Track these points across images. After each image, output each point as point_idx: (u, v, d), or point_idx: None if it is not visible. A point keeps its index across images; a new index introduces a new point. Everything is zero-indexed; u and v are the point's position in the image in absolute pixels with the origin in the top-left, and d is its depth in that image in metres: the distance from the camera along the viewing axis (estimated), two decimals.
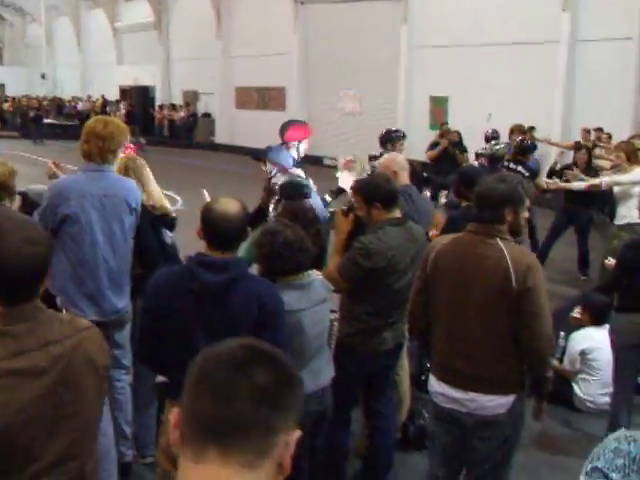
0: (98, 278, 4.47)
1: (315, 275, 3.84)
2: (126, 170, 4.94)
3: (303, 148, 6.96)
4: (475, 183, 3.87)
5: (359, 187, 4.41)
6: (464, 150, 13.37)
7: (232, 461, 1.26)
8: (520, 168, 8.93)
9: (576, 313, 6.78)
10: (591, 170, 10.07)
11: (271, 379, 1.32)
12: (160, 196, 5.19)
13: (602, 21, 16.81)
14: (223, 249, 3.19)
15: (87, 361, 2.34)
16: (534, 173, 9.23)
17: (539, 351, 3.48)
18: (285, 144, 6.87)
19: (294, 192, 4.98)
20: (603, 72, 16.65)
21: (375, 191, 4.27)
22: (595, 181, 9.07)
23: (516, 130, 12.38)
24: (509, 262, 3.43)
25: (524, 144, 9.69)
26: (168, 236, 5.15)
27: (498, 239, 3.52)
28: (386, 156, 5.65)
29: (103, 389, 2.49)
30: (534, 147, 9.89)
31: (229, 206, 3.18)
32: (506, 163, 9.15)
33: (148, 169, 5.15)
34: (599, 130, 13.66)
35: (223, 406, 1.27)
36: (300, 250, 3.63)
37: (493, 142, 9.63)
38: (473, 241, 3.58)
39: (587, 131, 13.53)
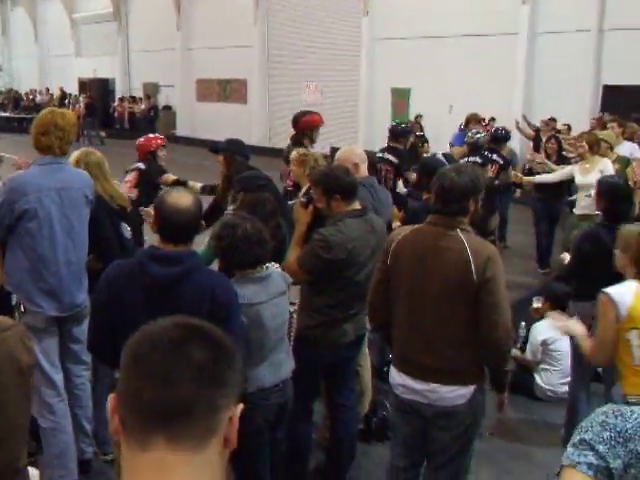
0: (59, 273, 4.41)
1: (274, 268, 3.82)
2: (77, 164, 4.87)
3: (316, 135, 7.78)
4: (434, 174, 3.86)
5: (318, 179, 4.38)
6: (424, 141, 13.39)
7: (179, 446, 1.23)
8: (495, 156, 8.97)
9: (536, 303, 6.83)
10: (563, 159, 10.15)
11: (209, 356, 1.29)
12: (118, 189, 5.13)
13: (561, 13, 17.00)
14: (175, 242, 3.16)
15: (10, 360, 2.30)
16: (507, 163, 9.30)
17: (497, 342, 3.48)
18: (300, 133, 7.71)
19: (252, 184, 4.92)
20: (562, 64, 16.84)
21: (334, 183, 4.25)
22: (530, 179, 9.36)
23: (472, 120, 12.39)
24: (469, 253, 3.43)
25: (498, 133, 9.73)
26: (126, 230, 5.09)
27: (458, 230, 3.53)
28: (345, 148, 5.62)
29: (28, 388, 2.45)
30: (507, 137, 9.93)
31: (181, 199, 3.14)
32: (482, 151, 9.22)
33: (106, 162, 5.08)
34: (553, 120, 13.82)
35: (164, 390, 1.24)
36: (259, 243, 3.61)
37: (474, 130, 9.63)
38: (434, 232, 3.58)
39: (546, 122, 13.63)
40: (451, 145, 11.47)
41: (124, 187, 6.08)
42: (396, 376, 3.73)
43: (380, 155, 8.68)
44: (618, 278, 5.09)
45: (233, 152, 5.97)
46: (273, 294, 3.72)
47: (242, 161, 5.94)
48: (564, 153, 10.61)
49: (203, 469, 1.26)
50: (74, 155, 4.92)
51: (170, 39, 29.57)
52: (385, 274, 3.72)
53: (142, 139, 7.67)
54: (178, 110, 30.81)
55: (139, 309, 3.05)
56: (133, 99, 32.00)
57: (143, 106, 31.09)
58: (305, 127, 7.79)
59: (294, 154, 6.04)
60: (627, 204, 5.23)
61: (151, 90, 31.82)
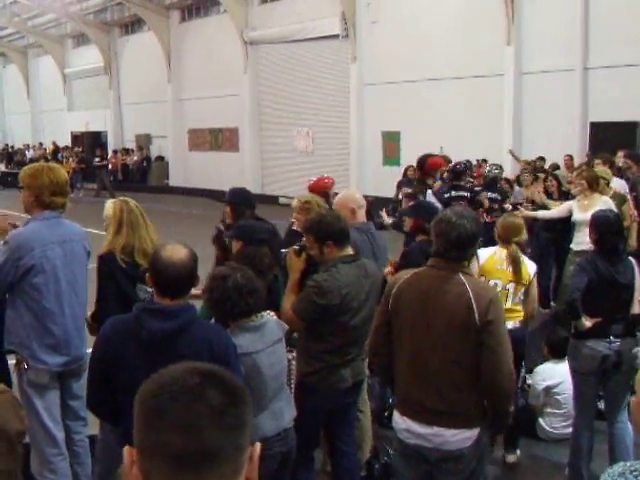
0: (65, 326, 4.41)
1: (269, 316, 3.82)
2: (121, 212, 4.60)
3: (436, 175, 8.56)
4: (432, 217, 3.90)
5: (310, 226, 4.41)
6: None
7: None
8: (461, 192, 9.10)
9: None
10: (564, 194, 10.19)
11: (227, 400, 1.32)
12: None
13: (545, 53, 17.24)
14: (172, 296, 3.16)
15: None
16: (505, 197, 9.52)
17: (500, 384, 3.47)
18: (426, 174, 8.63)
19: (253, 236, 4.90)
20: (549, 102, 17.03)
21: (326, 229, 4.27)
22: (531, 213, 9.34)
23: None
24: (471, 296, 3.45)
25: (456, 168, 9.83)
26: (144, 290, 4.49)
27: (460, 273, 3.55)
28: (343, 193, 5.65)
29: (15, 456, 2.42)
30: (467, 169, 10.15)
31: (176, 252, 3.15)
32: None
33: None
34: (541, 159, 13.97)
35: (192, 440, 1.27)
36: (250, 293, 3.60)
37: (490, 166, 9.91)
38: (435, 276, 3.60)
39: (527, 163, 13.80)
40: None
41: None
42: (400, 420, 3.70)
43: (452, 194, 9.00)
44: (619, 306, 5.13)
45: (239, 202, 5.99)
46: (269, 342, 3.71)
47: (249, 211, 5.93)
48: (564, 189, 10.66)
49: None
50: (113, 204, 4.70)
51: (161, 91, 29.88)
52: (386, 318, 3.72)
53: (315, 180, 8.13)
54: (171, 160, 30.97)
55: (137, 365, 3.04)
56: (126, 151, 32.21)
57: (136, 157, 31.29)
58: (431, 169, 8.75)
59: (296, 202, 6.02)
60: (617, 237, 5.24)
61: (143, 141, 32.05)
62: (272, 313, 3.92)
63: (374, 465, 5.39)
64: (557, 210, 9.07)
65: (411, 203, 7.22)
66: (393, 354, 3.70)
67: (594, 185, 8.42)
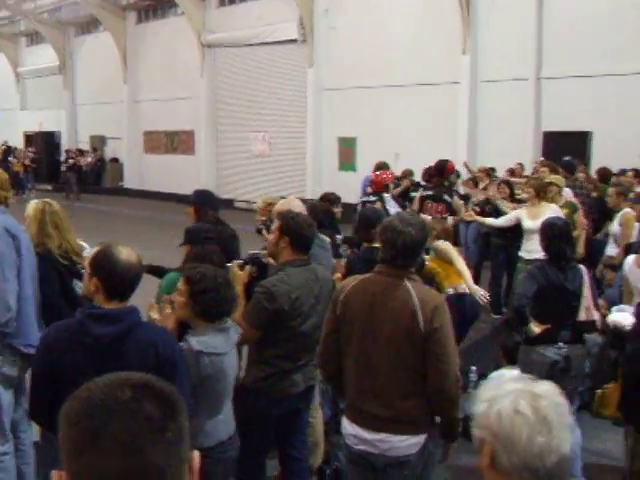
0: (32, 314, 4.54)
1: (228, 319, 3.81)
2: (42, 213, 4.81)
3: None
4: (375, 225, 3.90)
5: (283, 215, 4.45)
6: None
7: None
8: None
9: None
10: (515, 201, 10.31)
11: (166, 413, 1.26)
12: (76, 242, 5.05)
13: (499, 63, 17.46)
14: (122, 298, 3.12)
15: None
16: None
17: (446, 391, 3.48)
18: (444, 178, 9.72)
19: (199, 236, 4.89)
20: (503, 111, 17.24)
21: (293, 226, 4.28)
22: (479, 219, 9.65)
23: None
24: (416, 303, 3.45)
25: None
26: (79, 286, 4.80)
27: (406, 279, 3.55)
28: (283, 201, 5.65)
29: None
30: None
31: (130, 254, 3.11)
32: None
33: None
34: (492, 170, 14.16)
35: (133, 459, 1.20)
36: (232, 296, 3.64)
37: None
38: (382, 282, 3.59)
39: (483, 171, 13.98)
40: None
41: None
42: (347, 426, 3.70)
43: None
44: (567, 313, 5.22)
45: (202, 204, 5.95)
46: (232, 345, 3.72)
47: (211, 213, 5.90)
48: (517, 196, 10.79)
49: None
50: (34, 205, 4.88)
51: (117, 92, 29.59)
52: (335, 324, 3.70)
53: (377, 173, 9.39)
54: (125, 162, 30.65)
55: (83, 371, 2.98)
56: (80, 152, 31.76)
57: (90, 159, 30.88)
58: (450, 172, 9.96)
59: (260, 203, 6.03)
60: (565, 244, 5.32)
61: (98, 143, 31.66)
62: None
63: (325, 471, 5.38)
64: (505, 219, 9.12)
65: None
66: (342, 361, 3.69)
67: (541, 193, 8.53)
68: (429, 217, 8.35)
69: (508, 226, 9.08)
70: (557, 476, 1.79)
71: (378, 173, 9.35)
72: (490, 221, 9.48)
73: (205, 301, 3.58)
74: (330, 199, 7.23)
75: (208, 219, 5.70)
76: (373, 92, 20.09)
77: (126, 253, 3.10)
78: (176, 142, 28.33)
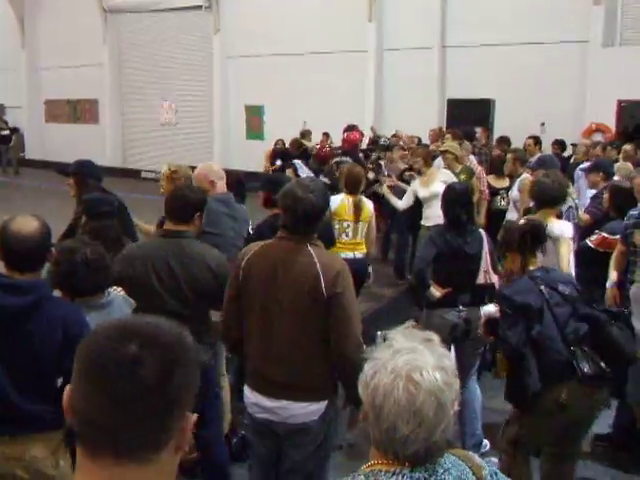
0: None
1: (116, 293, 3.72)
2: None
3: None
4: (277, 191, 3.86)
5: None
6: None
7: (128, 460, 1.23)
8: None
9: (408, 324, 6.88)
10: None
11: (160, 370, 1.24)
12: None
13: (405, 31, 17.63)
14: (21, 270, 3.03)
15: None
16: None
17: (348, 356, 3.50)
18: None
19: (98, 210, 4.77)
20: (409, 79, 17.46)
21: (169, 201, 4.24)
22: (391, 199, 9.54)
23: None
24: (318, 268, 3.44)
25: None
26: None
27: (308, 244, 3.54)
28: (202, 165, 5.56)
29: None
30: None
31: (25, 224, 3.02)
32: None
33: None
34: (395, 136, 14.37)
35: (115, 411, 1.21)
36: (98, 270, 3.51)
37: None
38: (284, 247, 3.57)
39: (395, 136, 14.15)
40: None
41: None
42: (249, 394, 3.69)
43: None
44: (467, 276, 5.34)
45: (83, 174, 5.80)
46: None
47: (94, 183, 5.76)
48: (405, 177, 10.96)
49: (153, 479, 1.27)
50: None
51: (15, 58, 28.32)
52: (237, 291, 3.65)
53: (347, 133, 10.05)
54: (26, 132, 29.54)
55: None
56: None
57: None
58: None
59: (165, 169, 5.91)
60: (462, 208, 5.40)
61: None
62: (119, 289, 3.82)
63: (232, 439, 5.38)
64: (404, 200, 9.17)
65: None
66: (243, 328, 3.67)
67: (429, 160, 8.79)
68: None
69: (408, 206, 9.17)
70: (421, 459, 1.79)
71: (348, 133, 9.93)
72: (393, 202, 9.57)
73: (64, 281, 3.53)
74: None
75: (90, 189, 5.57)
76: (280, 60, 19.96)
77: (20, 223, 3.02)
78: (79, 111, 27.52)
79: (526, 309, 4.13)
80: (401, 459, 1.78)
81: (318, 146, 11.60)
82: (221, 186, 5.35)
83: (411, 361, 1.78)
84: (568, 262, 5.49)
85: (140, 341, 1.25)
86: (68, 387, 1.28)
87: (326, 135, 15.99)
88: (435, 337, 1.89)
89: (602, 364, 4.11)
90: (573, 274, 5.42)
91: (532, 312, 4.12)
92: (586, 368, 4.06)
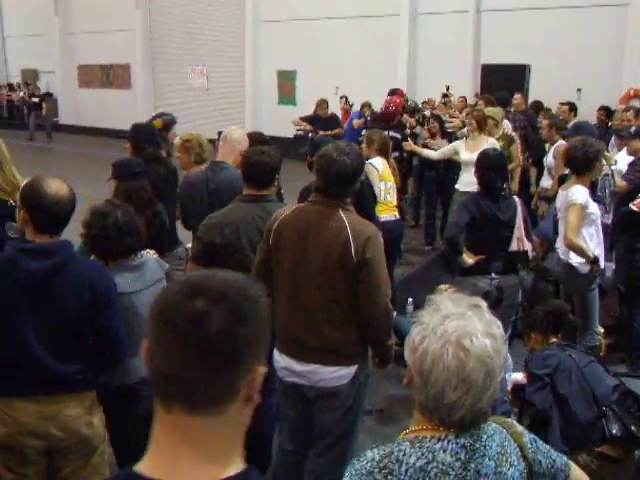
0: None
1: (149, 255, 3.72)
2: None
3: None
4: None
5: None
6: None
7: (198, 412, 1.29)
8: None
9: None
10: (447, 136, 10.37)
11: (226, 325, 1.28)
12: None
13: None
14: (52, 233, 3.03)
15: None
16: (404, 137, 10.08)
17: (377, 321, 3.49)
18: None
19: (128, 171, 4.76)
20: (443, 44, 17.16)
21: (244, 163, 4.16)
22: (417, 149, 9.63)
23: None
24: (349, 233, 3.42)
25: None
26: (14, 229, 4.34)
27: (340, 209, 3.51)
28: (228, 129, 5.50)
29: None
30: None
31: (60, 187, 3.01)
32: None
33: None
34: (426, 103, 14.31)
35: (183, 364, 1.28)
36: (130, 232, 3.52)
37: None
38: (315, 211, 3.54)
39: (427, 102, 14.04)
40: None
41: None
42: (279, 359, 3.69)
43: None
44: (500, 244, 5.28)
45: (138, 139, 5.78)
46: (150, 282, 3.64)
47: (150, 149, 5.71)
48: (448, 130, 10.84)
49: (222, 431, 1.32)
50: None
51: (48, 24, 28.37)
52: (267, 254, 3.65)
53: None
54: (60, 97, 29.69)
55: (14, 308, 2.93)
56: (10, 87, 30.66)
57: (22, 94, 29.84)
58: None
59: (177, 140, 5.89)
60: (496, 174, 5.34)
61: (30, 77, 30.55)
62: (152, 252, 3.82)
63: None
64: (441, 151, 9.18)
65: None
66: (273, 291, 3.64)
67: (483, 125, 8.56)
68: None
69: (442, 158, 9.17)
70: (467, 425, 1.79)
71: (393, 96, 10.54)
72: (426, 153, 9.50)
73: (96, 244, 3.53)
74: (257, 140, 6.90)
75: (147, 155, 5.54)
76: (313, 24, 19.75)
77: (55, 186, 3.00)
78: (112, 76, 27.55)
79: (555, 369, 4.09)
80: (447, 425, 1.79)
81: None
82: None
83: (460, 327, 1.77)
84: (575, 230, 5.40)
85: (208, 297, 1.29)
86: (145, 341, 1.35)
87: (345, 98, 16.00)
88: (483, 303, 1.88)
89: (633, 427, 4.05)
90: (584, 245, 5.37)
91: (561, 373, 4.08)
92: (614, 430, 4.01)
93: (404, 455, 1.79)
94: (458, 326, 1.78)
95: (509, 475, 1.86)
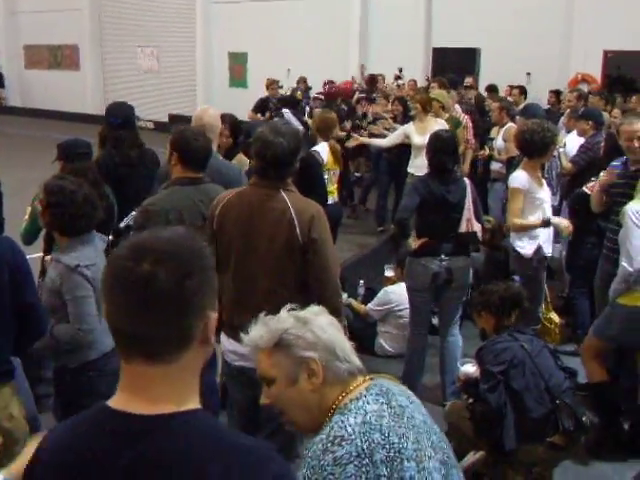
0: None
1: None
2: None
3: None
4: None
5: (172, 135, 4.16)
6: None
7: (155, 361, 1.40)
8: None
9: (388, 272, 6.83)
10: (410, 118, 10.36)
11: (174, 282, 1.36)
12: None
13: None
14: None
15: None
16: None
17: (327, 301, 3.46)
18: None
19: (73, 152, 4.68)
20: (395, 27, 17.16)
21: (179, 142, 4.07)
22: (364, 140, 9.64)
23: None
24: (293, 213, 3.40)
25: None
26: None
27: (282, 190, 3.48)
28: (198, 110, 5.42)
29: None
30: None
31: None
32: None
33: None
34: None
35: (135, 321, 1.37)
36: (96, 206, 3.57)
37: None
38: (258, 194, 3.51)
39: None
40: None
41: None
42: (226, 342, 3.65)
43: None
44: (449, 225, 5.30)
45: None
46: (100, 255, 3.65)
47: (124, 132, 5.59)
48: (410, 113, 10.83)
49: (180, 375, 1.43)
50: None
51: None
52: (212, 240, 3.58)
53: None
54: (6, 79, 28.99)
55: None
56: None
57: None
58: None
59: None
60: (446, 156, 5.33)
61: None
62: None
63: None
64: (390, 138, 9.15)
65: None
66: (219, 275, 3.60)
67: (427, 107, 8.60)
68: None
69: (393, 145, 9.13)
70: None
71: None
72: (375, 142, 9.49)
73: (57, 215, 3.48)
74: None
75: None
76: (263, 5, 19.66)
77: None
78: (59, 57, 27.01)
79: (509, 366, 4.07)
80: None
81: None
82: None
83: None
84: (515, 214, 5.53)
85: (154, 258, 1.37)
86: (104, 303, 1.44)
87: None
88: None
89: (583, 419, 4.09)
90: (524, 221, 5.47)
91: (514, 368, 4.08)
92: (567, 424, 4.04)
93: (343, 422, 1.97)
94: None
95: (417, 403, 2.15)
